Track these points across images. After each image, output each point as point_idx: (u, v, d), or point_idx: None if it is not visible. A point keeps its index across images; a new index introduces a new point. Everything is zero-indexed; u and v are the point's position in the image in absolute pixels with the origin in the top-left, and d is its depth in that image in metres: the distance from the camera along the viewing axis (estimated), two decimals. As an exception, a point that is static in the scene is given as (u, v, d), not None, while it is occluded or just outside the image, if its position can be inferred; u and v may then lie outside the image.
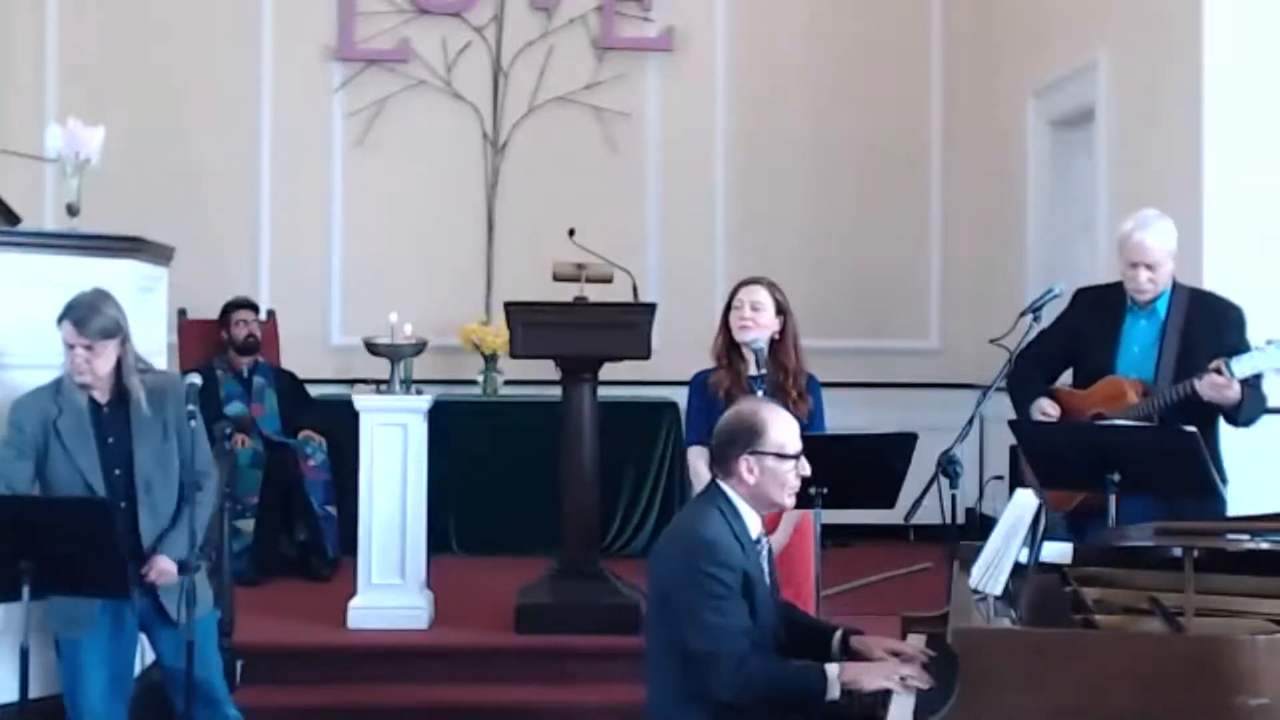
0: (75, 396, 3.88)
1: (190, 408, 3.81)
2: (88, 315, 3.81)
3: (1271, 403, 4.85)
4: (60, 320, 3.82)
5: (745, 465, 3.28)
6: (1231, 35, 5.07)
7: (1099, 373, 4.29)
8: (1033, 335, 4.27)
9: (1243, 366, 3.96)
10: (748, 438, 3.29)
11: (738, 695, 3.12)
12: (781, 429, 3.31)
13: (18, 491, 3.80)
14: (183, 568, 3.80)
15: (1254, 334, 4.16)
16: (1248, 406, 4.05)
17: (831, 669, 3.13)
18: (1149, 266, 4.19)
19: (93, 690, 3.90)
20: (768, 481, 3.29)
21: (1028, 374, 4.31)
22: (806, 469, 3.36)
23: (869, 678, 3.12)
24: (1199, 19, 5.10)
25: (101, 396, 3.90)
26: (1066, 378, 4.51)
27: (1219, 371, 3.94)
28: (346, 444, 5.66)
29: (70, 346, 3.82)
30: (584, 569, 5.26)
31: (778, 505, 3.39)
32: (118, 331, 3.86)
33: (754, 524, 3.34)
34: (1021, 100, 6.95)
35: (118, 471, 3.88)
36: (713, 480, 3.38)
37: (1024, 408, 4.31)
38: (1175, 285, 4.27)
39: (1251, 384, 4.03)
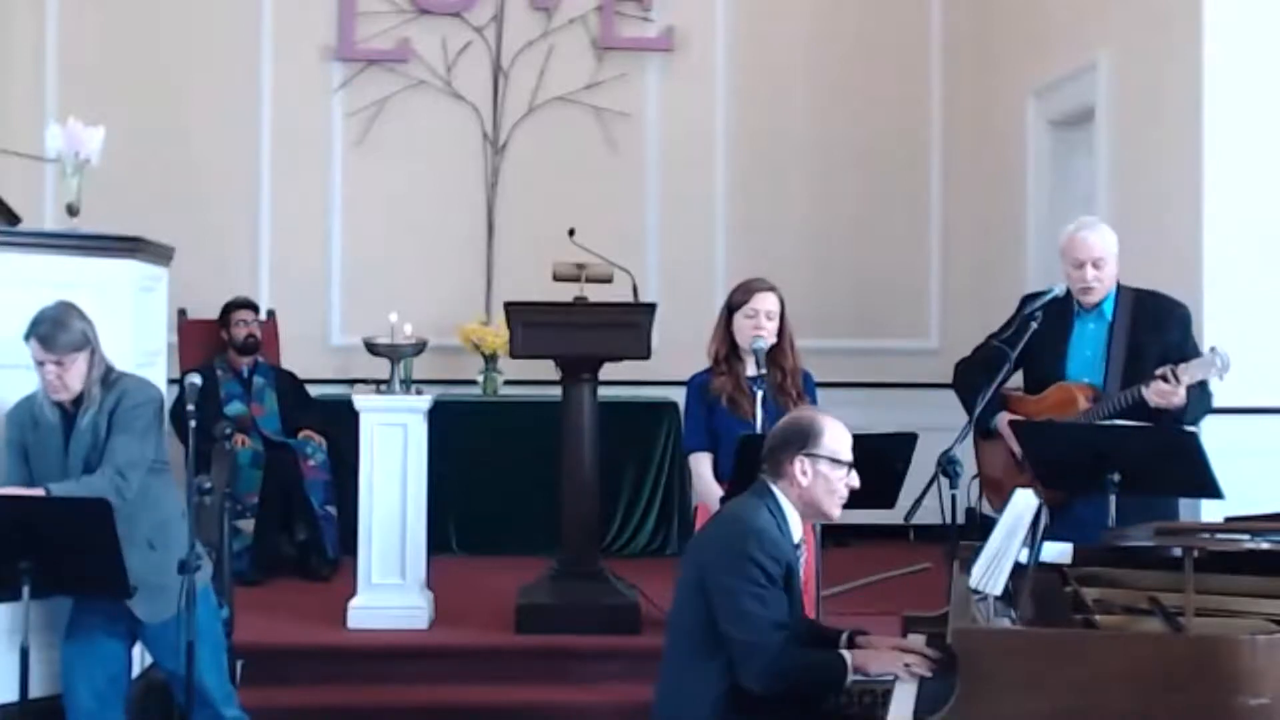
0: (46, 412, 3.88)
1: (190, 408, 3.80)
2: (54, 331, 3.79)
3: (1269, 402, 4.89)
4: (27, 337, 3.80)
5: (799, 466, 3.30)
6: (1231, 36, 5.07)
7: (1050, 378, 4.31)
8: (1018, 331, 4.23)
9: (1189, 374, 4.00)
10: (802, 439, 3.31)
11: (767, 686, 3.16)
12: (837, 435, 3.35)
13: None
14: (182, 567, 3.79)
15: (1255, 332, 4.16)
16: (1193, 408, 4.07)
17: (847, 655, 3.21)
18: (1095, 264, 4.23)
19: (84, 691, 3.90)
20: (819, 486, 3.31)
21: (981, 384, 4.22)
22: (855, 481, 3.37)
23: (876, 664, 3.20)
24: (1199, 19, 5.10)
25: (72, 407, 3.89)
26: (1016, 381, 4.51)
27: (1165, 379, 3.98)
28: (346, 444, 5.66)
29: (40, 363, 3.80)
30: (584, 569, 5.27)
31: (825, 515, 3.39)
32: (86, 344, 3.85)
33: (797, 530, 3.36)
34: (1021, 100, 6.94)
35: None
36: (761, 480, 3.39)
37: (984, 418, 4.29)
38: (1120, 287, 4.31)
39: (1197, 387, 4.05)
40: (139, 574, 3.69)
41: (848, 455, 3.35)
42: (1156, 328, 4.20)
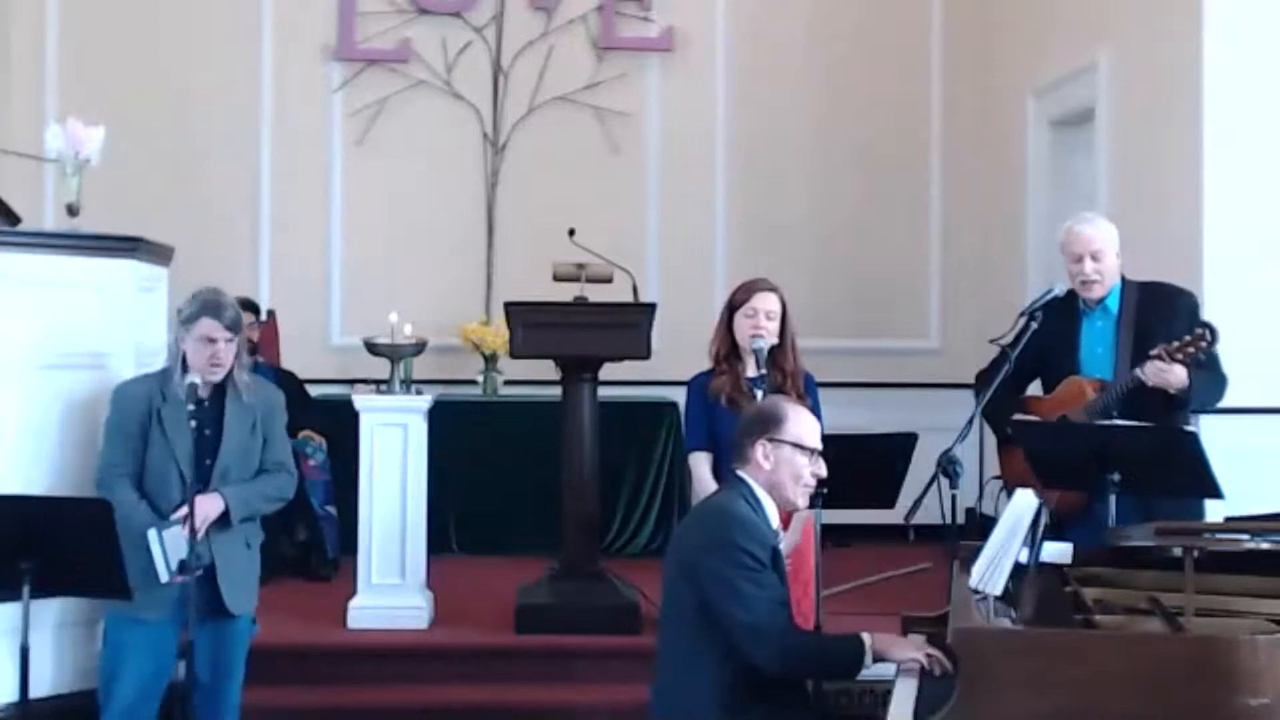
0: (180, 391, 3.91)
1: (189, 407, 3.84)
2: (223, 310, 3.92)
3: (1269, 402, 4.89)
4: (194, 318, 3.89)
5: (761, 451, 3.33)
6: (1231, 36, 5.07)
7: (1065, 378, 4.30)
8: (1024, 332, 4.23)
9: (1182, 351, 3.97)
10: (765, 425, 3.36)
11: (781, 665, 3.17)
12: (801, 422, 3.38)
13: (129, 476, 3.89)
14: (182, 568, 3.79)
15: (1255, 332, 4.16)
16: (1198, 389, 4.04)
17: (866, 637, 3.19)
18: (1093, 256, 4.24)
19: (131, 679, 3.89)
20: (782, 471, 3.34)
21: (1000, 398, 4.19)
22: (823, 470, 3.39)
23: (898, 650, 3.21)
24: (1199, 19, 5.10)
25: (204, 390, 3.95)
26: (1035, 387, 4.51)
27: (1160, 357, 3.97)
28: (346, 444, 5.65)
29: (211, 340, 3.89)
30: (584, 569, 5.26)
31: (790, 503, 3.40)
32: (242, 325, 4.01)
33: (774, 515, 3.38)
34: (1021, 100, 6.95)
35: (208, 461, 3.94)
36: (734, 472, 3.41)
37: (1005, 424, 4.29)
38: (1125, 281, 4.30)
39: (1203, 366, 4.01)
40: (232, 572, 3.95)
41: (812, 443, 3.36)
42: (1162, 317, 4.18)
